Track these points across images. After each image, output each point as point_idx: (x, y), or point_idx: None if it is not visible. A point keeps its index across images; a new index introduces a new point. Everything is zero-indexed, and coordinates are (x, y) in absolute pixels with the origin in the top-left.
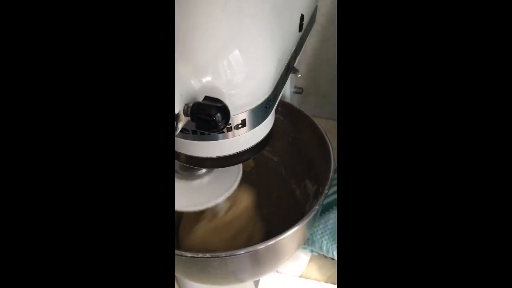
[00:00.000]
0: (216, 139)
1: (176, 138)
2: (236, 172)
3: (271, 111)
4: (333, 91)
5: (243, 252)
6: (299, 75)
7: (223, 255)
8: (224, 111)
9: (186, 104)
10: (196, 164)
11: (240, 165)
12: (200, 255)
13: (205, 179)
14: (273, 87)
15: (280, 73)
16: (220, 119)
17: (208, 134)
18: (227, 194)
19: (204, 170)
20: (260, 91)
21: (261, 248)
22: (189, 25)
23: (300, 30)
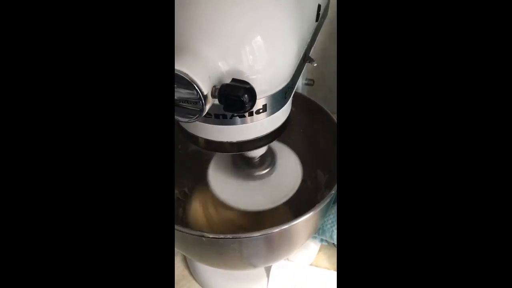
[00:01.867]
0: (236, 123)
1: (197, 123)
2: (296, 175)
3: (289, 97)
4: None
5: (259, 234)
6: (315, 64)
7: (242, 237)
8: (251, 92)
9: (214, 86)
10: (215, 148)
11: (300, 169)
12: (222, 236)
13: (266, 180)
14: (292, 74)
15: (298, 61)
16: (247, 100)
17: (230, 118)
18: (287, 197)
19: (265, 171)
20: (280, 78)
21: (275, 232)
22: (215, 8)
23: (316, 20)
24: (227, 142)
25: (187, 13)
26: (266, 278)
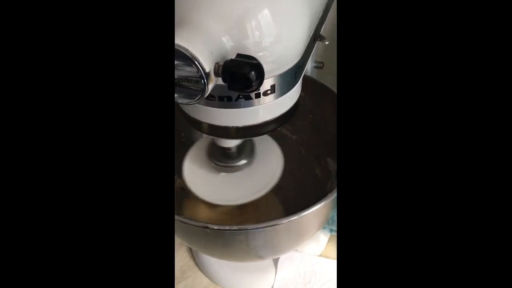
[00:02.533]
0: (243, 106)
1: (199, 107)
2: (276, 164)
3: (300, 78)
4: None
5: (264, 226)
6: (327, 42)
7: (248, 228)
8: (259, 69)
9: (217, 63)
10: (220, 134)
11: (281, 156)
12: (227, 227)
13: (245, 171)
14: (303, 52)
15: (309, 38)
16: (254, 77)
17: (236, 100)
18: (268, 188)
19: (244, 162)
20: (290, 55)
21: (284, 223)
22: None
23: None
24: (232, 127)
25: None
26: (274, 269)
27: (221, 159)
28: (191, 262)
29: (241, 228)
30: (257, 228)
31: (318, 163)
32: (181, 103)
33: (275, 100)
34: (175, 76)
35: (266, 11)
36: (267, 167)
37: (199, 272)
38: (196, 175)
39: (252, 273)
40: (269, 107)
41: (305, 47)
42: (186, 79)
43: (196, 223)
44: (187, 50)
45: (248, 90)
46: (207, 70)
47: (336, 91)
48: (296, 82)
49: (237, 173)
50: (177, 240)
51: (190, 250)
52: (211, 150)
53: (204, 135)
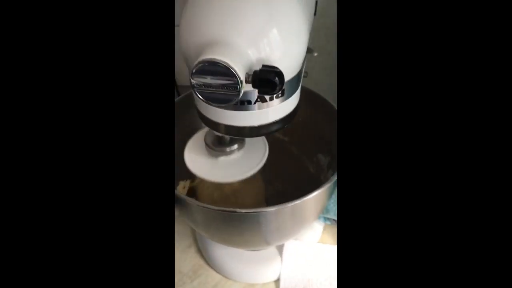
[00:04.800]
0: (259, 108)
1: (217, 110)
2: (263, 150)
3: (300, 83)
4: (325, 79)
5: (273, 209)
6: (315, 54)
7: (272, 209)
8: (281, 75)
9: (246, 73)
10: (235, 133)
11: (266, 144)
12: (244, 210)
13: (236, 155)
14: (302, 62)
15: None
16: (278, 82)
17: (255, 103)
18: (257, 169)
19: (235, 147)
20: (294, 66)
21: (289, 206)
22: (240, 3)
23: (314, 14)
24: (247, 127)
25: (218, 10)
26: (280, 258)
27: (216, 146)
28: (202, 261)
29: (262, 210)
30: (284, 207)
31: (310, 160)
32: (217, 107)
33: (283, 102)
34: (214, 85)
35: (278, 30)
36: (254, 151)
37: (211, 270)
38: (196, 161)
39: (260, 264)
40: (279, 108)
41: (304, 59)
42: (225, 86)
43: (226, 209)
44: (227, 63)
45: (274, 92)
46: (242, 79)
47: (318, 94)
48: (298, 87)
49: (230, 156)
50: (186, 242)
51: (199, 251)
52: (207, 139)
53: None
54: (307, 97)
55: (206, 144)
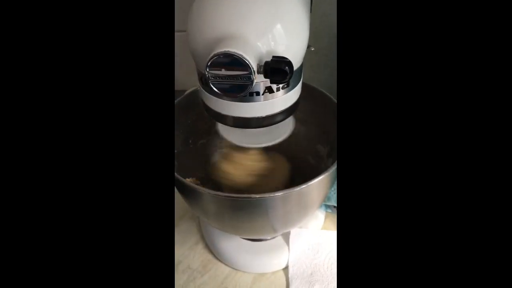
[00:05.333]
0: (266, 99)
1: (224, 102)
2: (290, 121)
3: (301, 76)
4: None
5: (280, 194)
6: (312, 49)
7: (268, 195)
8: (290, 64)
9: (258, 63)
10: (242, 124)
11: (293, 118)
12: (258, 196)
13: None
14: (303, 56)
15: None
16: (288, 71)
17: (263, 94)
18: (284, 136)
19: None
20: (297, 59)
21: (295, 191)
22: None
23: (310, 11)
24: (254, 118)
25: (226, 7)
26: (286, 247)
27: None
28: (210, 256)
29: (270, 196)
30: (291, 191)
31: (309, 151)
32: (229, 99)
33: (287, 93)
34: (228, 76)
35: (281, 25)
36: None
37: (220, 263)
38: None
39: (268, 253)
40: (284, 98)
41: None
42: (239, 77)
43: (241, 196)
44: (241, 55)
45: (285, 81)
46: (254, 69)
47: (316, 87)
48: (300, 79)
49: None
50: (193, 239)
51: (207, 246)
52: None
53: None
54: (305, 90)
55: None
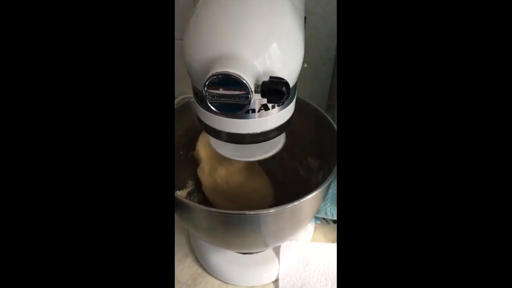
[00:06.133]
0: (260, 116)
1: (219, 118)
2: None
3: (295, 94)
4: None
5: (273, 211)
6: (305, 65)
7: (264, 212)
8: (287, 85)
9: (255, 83)
10: (236, 140)
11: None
12: (252, 212)
13: None
14: (298, 73)
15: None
16: (285, 91)
17: (258, 111)
18: (275, 151)
19: None
20: (293, 77)
21: (288, 208)
22: (245, 21)
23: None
24: (248, 134)
25: (223, 26)
26: (277, 259)
27: None
28: (200, 270)
29: (263, 212)
30: (283, 208)
31: (300, 163)
32: (227, 116)
33: (282, 110)
34: (226, 96)
35: (282, 42)
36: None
37: (209, 277)
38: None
39: (258, 266)
40: (278, 115)
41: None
42: (236, 96)
43: (234, 212)
44: (239, 75)
45: (281, 101)
46: (252, 89)
47: (307, 101)
48: (294, 96)
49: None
50: (182, 252)
51: (197, 260)
52: None
53: None
54: (296, 104)
55: None
